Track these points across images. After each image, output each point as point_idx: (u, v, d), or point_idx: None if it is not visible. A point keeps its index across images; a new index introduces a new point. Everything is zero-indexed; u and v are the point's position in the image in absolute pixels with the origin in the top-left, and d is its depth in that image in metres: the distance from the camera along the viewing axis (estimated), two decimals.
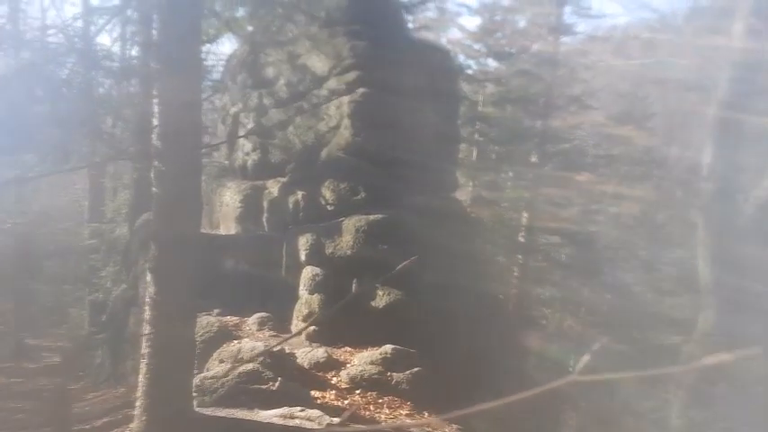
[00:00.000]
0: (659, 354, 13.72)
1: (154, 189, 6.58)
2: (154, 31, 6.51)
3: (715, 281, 11.58)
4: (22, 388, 14.06)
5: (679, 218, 17.60)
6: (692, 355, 11.73)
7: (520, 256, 16.11)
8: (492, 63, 18.42)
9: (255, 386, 7.25)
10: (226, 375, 7.36)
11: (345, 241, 9.35)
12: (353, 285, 8.85)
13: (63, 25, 7.38)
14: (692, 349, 11.80)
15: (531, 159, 16.76)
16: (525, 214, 16.29)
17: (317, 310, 9.00)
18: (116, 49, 8.30)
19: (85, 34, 7.91)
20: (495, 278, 13.92)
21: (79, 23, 8.23)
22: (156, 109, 6.48)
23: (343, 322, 8.84)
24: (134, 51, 10.86)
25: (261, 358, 7.68)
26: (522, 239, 16.18)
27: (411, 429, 7.13)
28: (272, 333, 9.09)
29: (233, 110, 12.54)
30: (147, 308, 6.63)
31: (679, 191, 17.85)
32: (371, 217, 9.47)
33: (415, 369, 8.06)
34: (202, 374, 7.57)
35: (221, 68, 14.95)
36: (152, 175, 6.64)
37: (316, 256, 9.43)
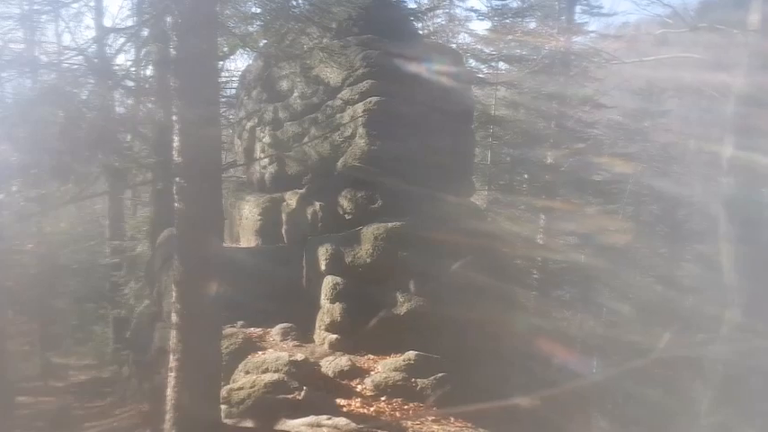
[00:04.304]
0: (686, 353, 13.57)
1: (176, 205, 6.68)
2: (171, 50, 6.61)
3: (740, 276, 11.45)
4: (49, 407, 14.23)
5: (700, 213, 17.45)
6: (718, 351, 11.61)
7: (539, 258, 16.04)
8: (503, 66, 18.40)
9: (281, 396, 7.31)
10: (252, 386, 7.43)
11: (365, 250, 9.39)
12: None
13: (81, 48, 7.53)
14: (719, 345, 11.68)
15: (546, 161, 16.72)
16: (542, 216, 16.23)
17: (339, 318, 9.04)
18: (134, 68, 8.46)
19: (102, 55, 8.07)
20: (515, 281, 13.86)
21: (95, 46, 8.38)
22: (175, 126, 6.59)
23: (365, 330, 8.88)
24: (150, 71, 11.06)
25: (286, 368, 7.74)
26: (540, 241, 16.12)
27: None
28: (295, 343, 9.14)
29: (249, 124, 12.66)
30: (172, 322, 6.72)
31: (699, 186, 17.70)
32: (390, 224, 9.49)
33: (440, 374, 8.06)
34: (229, 386, 7.64)
35: (236, 84, 15.16)
36: (174, 191, 6.74)
37: (335, 265, 9.47)
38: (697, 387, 12.39)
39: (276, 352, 8.43)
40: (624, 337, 14.62)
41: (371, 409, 7.50)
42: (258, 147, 12.38)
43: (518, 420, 7.95)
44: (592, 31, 17.63)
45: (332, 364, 8.26)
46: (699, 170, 18.57)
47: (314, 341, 9.26)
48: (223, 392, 7.33)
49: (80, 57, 7.39)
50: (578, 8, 16.72)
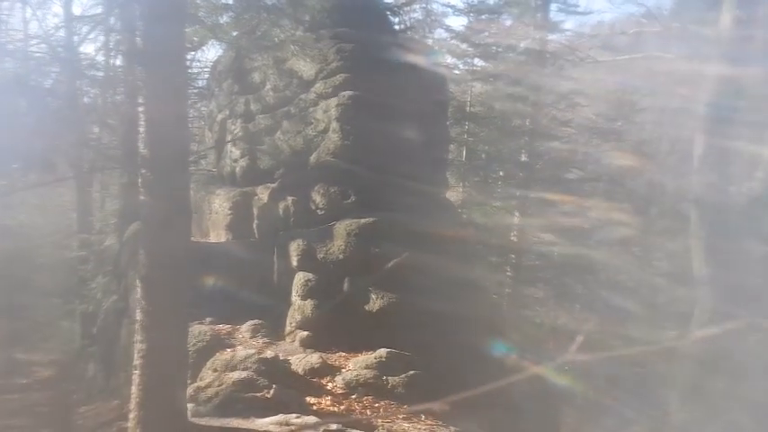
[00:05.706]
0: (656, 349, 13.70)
1: (142, 198, 6.50)
2: (138, 39, 6.42)
3: (710, 273, 11.57)
4: (14, 405, 13.87)
5: (671, 211, 17.65)
6: (689, 348, 11.73)
7: (513, 255, 16.08)
8: (479, 62, 18.41)
9: (250, 394, 7.18)
10: (220, 384, 7.28)
11: (337, 245, 9.28)
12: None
13: (46, 35, 7.29)
14: (689, 341, 11.79)
15: (520, 158, 16.75)
16: (517, 213, 16.26)
17: (310, 315, 8.92)
18: (100, 57, 8.24)
19: (69, 44, 7.83)
20: (489, 278, 13.86)
21: (62, 33, 8.14)
22: (142, 117, 6.40)
23: (336, 327, 8.78)
24: (118, 60, 10.80)
25: (255, 366, 7.60)
26: (514, 238, 16.15)
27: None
28: (265, 340, 9.00)
29: (220, 116, 12.44)
30: (138, 318, 6.54)
31: (670, 184, 17.90)
32: (362, 220, 9.40)
33: (411, 372, 7.99)
34: (196, 384, 7.49)
35: (207, 75, 14.89)
36: (140, 184, 6.55)
37: (307, 261, 9.35)
38: (667, 383, 12.53)
39: (245, 349, 8.28)
40: (595, 334, 14.73)
41: (342, 407, 7.41)
42: (229, 139, 12.16)
43: (489, 417, 7.93)
44: (567, 30, 17.71)
45: (302, 362, 8.14)
46: (671, 168, 18.76)
47: (284, 338, 9.13)
48: (190, 391, 7.16)
49: (44, 45, 7.17)
50: (554, 6, 16.78)
